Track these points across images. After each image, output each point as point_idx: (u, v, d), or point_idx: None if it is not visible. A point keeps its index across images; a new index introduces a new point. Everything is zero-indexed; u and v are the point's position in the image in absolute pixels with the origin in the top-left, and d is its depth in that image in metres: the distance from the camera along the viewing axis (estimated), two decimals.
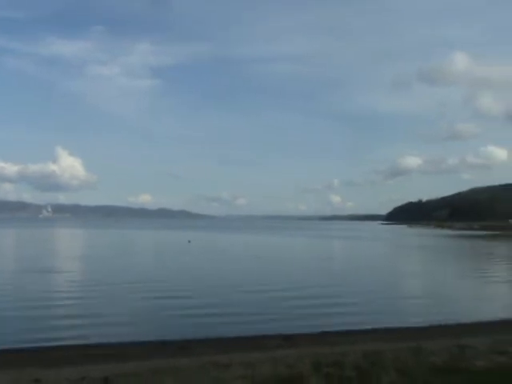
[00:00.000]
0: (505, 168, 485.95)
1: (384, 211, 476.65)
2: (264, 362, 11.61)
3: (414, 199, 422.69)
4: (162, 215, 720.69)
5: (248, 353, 14.20)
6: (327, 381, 9.45)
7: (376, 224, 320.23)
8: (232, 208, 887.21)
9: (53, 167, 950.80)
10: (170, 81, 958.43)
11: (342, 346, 14.51)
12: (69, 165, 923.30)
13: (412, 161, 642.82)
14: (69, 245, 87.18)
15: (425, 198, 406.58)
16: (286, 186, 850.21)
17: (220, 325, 21.53)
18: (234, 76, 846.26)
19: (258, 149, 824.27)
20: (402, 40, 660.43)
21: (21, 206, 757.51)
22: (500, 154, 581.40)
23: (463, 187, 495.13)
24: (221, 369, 10.94)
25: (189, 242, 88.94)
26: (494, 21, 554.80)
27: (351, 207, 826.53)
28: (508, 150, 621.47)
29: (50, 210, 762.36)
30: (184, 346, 16.77)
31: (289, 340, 17.89)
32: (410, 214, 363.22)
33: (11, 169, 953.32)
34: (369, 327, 21.22)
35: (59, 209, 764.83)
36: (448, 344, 12.82)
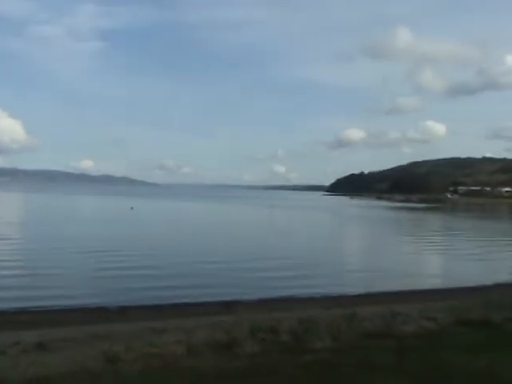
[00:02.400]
0: (443, 143, 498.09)
1: (327, 182, 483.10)
2: (201, 328, 11.74)
3: (356, 171, 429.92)
4: (105, 181, 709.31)
5: (185, 319, 14.33)
6: (262, 345, 9.64)
7: (319, 195, 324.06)
8: (176, 176, 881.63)
9: None
10: (115, 44, 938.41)
11: (279, 313, 14.77)
12: (8, 127, 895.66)
13: (355, 133, 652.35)
14: (6, 210, 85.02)
15: (367, 170, 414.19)
16: (231, 155, 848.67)
17: (158, 291, 21.58)
18: (179, 41, 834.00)
19: (203, 117, 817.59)
20: (347, 15, 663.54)
21: None
22: (439, 129, 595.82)
23: (403, 160, 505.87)
24: (156, 334, 11.03)
25: (131, 208, 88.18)
26: None
27: (295, 177, 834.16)
28: (447, 126, 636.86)
29: None
30: (122, 312, 16.79)
31: (229, 307, 18.08)
32: (352, 185, 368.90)
33: None
34: (307, 295, 21.68)
35: None
36: (381, 311, 13.21)
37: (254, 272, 27.43)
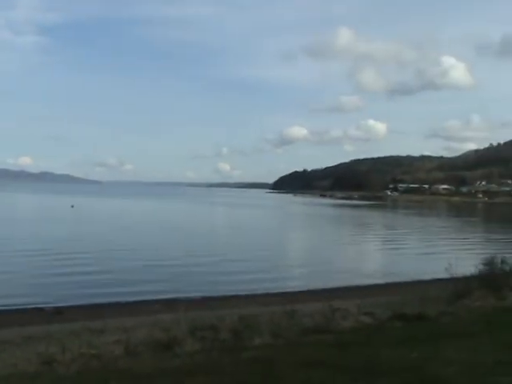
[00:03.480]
0: (384, 141, 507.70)
1: (271, 180, 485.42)
2: (140, 327, 11.64)
3: (299, 168, 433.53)
4: (44, 179, 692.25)
5: (125, 318, 14.18)
6: (202, 344, 9.62)
7: (263, 192, 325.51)
8: (119, 174, 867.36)
9: None
10: (55, 39, 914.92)
11: (220, 311, 14.78)
12: None
13: (298, 131, 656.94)
14: None
15: (310, 168, 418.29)
16: (175, 152, 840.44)
17: (97, 291, 21.28)
18: (124, 38, 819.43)
19: (147, 114, 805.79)
20: (291, 14, 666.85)
21: None
22: (380, 127, 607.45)
23: (345, 158, 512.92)
24: (94, 334, 10.87)
25: (72, 206, 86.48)
26: None
27: (239, 175, 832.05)
28: (387, 124, 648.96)
29: None
30: (59, 312, 16.47)
31: (169, 305, 17.95)
32: (295, 182, 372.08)
33: None
34: (249, 292, 21.76)
35: None
36: (321, 307, 13.34)
37: (195, 269, 27.39)
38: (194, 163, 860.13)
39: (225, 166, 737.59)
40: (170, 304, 18.27)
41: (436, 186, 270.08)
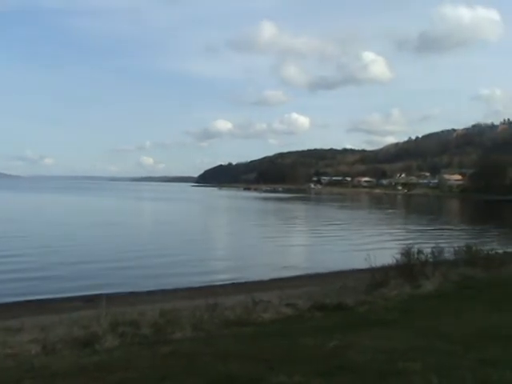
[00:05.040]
0: (307, 135, 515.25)
1: (196, 173, 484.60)
2: (60, 325, 11.41)
3: (224, 162, 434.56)
4: None
5: (44, 316, 13.86)
6: (122, 339, 9.54)
7: (187, 186, 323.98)
8: (38, 168, 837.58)
9: None
10: None
11: (143, 306, 14.65)
12: None
13: (223, 124, 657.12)
14: None
15: (235, 161, 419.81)
16: (96, 146, 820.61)
17: (14, 287, 20.68)
18: (45, 29, 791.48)
19: (68, 107, 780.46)
20: (213, 8, 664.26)
21: None
22: (303, 121, 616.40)
23: (270, 151, 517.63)
24: (10, 333, 10.57)
25: None
26: None
27: (163, 169, 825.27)
28: (310, 118, 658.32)
29: None
30: None
31: (91, 302, 17.65)
32: (220, 176, 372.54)
33: None
34: (172, 287, 21.65)
35: None
36: (243, 299, 13.47)
37: (118, 265, 26.98)
38: (117, 157, 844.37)
39: (148, 160, 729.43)
40: (92, 301, 17.96)
41: (358, 179, 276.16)
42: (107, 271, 25.30)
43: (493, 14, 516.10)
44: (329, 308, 11.99)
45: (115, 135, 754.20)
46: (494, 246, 25.46)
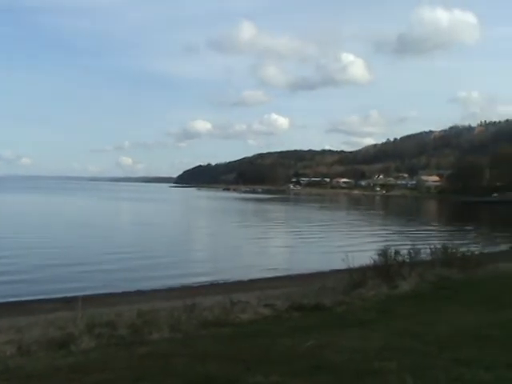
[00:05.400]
0: (287, 135, 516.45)
1: (175, 174, 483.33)
2: (36, 326, 11.32)
3: (203, 163, 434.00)
4: None
5: (20, 317, 13.74)
6: (99, 340, 9.48)
7: (166, 186, 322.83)
8: (15, 167, 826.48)
9: None
10: None
11: (121, 307, 14.59)
12: None
13: (202, 125, 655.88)
14: None
15: (214, 162, 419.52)
16: (75, 146, 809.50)
17: None
18: (22, 27, 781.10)
19: (45, 106, 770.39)
20: (192, 8, 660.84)
21: None
22: (283, 122, 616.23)
23: (249, 152, 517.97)
24: None
25: None
26: None
27: (143, 169, 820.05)
28: (290, 119, 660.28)
29: None
30: None
31: (68, 303, 17.52)
32: (199, 176, 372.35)
33: None
34: (150, 288, 21.58)
35: None
36: (221, 300, 13.47)
37: (96, 266, 26.81)
38: (96, 157, 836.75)
39: (127, 160, 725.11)
40: (69, 302, 17.83)
41: (337, 180, 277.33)
42: (85, 273, 25.12)
43: (470, 17, 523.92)
44: (307, 308, 12.03)
45: (94, 135, 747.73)
46: (470, 246, 25.71)
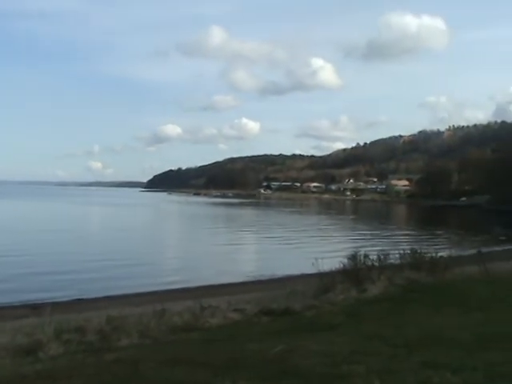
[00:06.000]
0: (257, 140, 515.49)
1: (145, 178, 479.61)
2: (3, 333, 11.17)
3: (174, 167, 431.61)
4: None
5: None
6: (67, 346, 9.40)
7: (136, 191, 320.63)
8: None
9: None
10: None
11: (90, 313, 14.46)
12: None
13: (172, 129, 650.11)
14: None
15: (184, 166, 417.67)
16: (43, 150, 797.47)
17: None
18: None
19: (12, 111, 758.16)
20: (161, 12, 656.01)
21: None
22: (253, 126, 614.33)
23: (220, 157, 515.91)
24: None
25: None
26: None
27: (112, 174, 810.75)
28: (260, 123, 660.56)
29: None
30: None
31: (36, 309, 17.31)
32: (170, 181, 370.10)
33: None
34: (120, 294, 21.42)
35: None
36: (191, 305, 13.44)
37: (65, 273, 26.52)
38: (65, 162, 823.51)
39: (97, 165, 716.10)
40: (37, 308, 17.61)
41: (307, 184, 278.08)
42: (55, 280, 24.83)
43: (438, 23, 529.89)
44: (276, 313, 12.07)
45: (63, 140, 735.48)
46: (438, 250, 26.01)
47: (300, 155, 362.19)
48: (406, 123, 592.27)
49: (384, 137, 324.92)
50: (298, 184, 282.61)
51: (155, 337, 9.98)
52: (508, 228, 53.76)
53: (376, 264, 17.57)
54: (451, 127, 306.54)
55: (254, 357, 7.22)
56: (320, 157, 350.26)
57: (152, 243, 44.08)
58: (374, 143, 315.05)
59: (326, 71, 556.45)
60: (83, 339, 9.93)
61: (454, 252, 31.34)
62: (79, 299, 20.34)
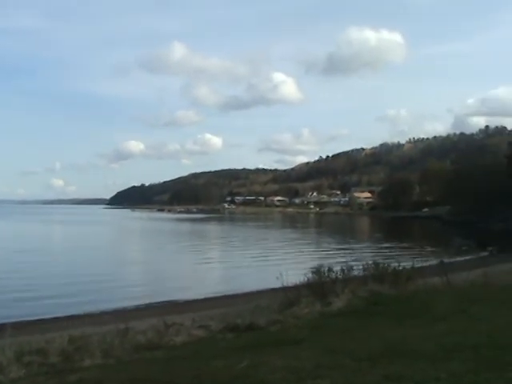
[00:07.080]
0: (220, 155, 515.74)
1: (108, 195, 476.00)
2: None
3: (137, 183, 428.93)
4: None
5: None
6: (28, 369, 9.22)
7: (99, 208, 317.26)
8: None
9: None
10: None
11: (52, 333, 14.22)
12: None
13: (135, 145, 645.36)
14: None
15: (148, 183, 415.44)
16: (2, 168, 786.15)
17: None
18: None
19: None
20: (123, 29, 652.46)
21: None
22: (216, 141, 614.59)
23: (184, 172, 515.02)
24: None
25: None
26: (207, 15, 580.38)
27: (75, 191, 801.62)
28: (223, 138, 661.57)
29: None
30: None
31: None
32: (133, 197, 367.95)
33: None
34: (82, 313, 21.10)
35: None
36: (155, 323, 13.33)
37: (25, 292, 26.06)
38: (25, 179, 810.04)
39: (58, 182, 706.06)
40: None
41: (271, 198, 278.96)
42: (15, 300, 24.39)
43: (397, 37, 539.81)
44: (241, 329, 12.04)
45: (23, 157, 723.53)
46: (401, 261, 26.30)
47: (263, 169, 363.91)
48: (367, 136, 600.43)
49: (346, 150, 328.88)
50: (262, 198, 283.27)
51: (119, 356, 9.85)
52: (468, 239, 54.68)
53: (340, 277, 17.65)
54: (411, 139, 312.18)
55: (219, 373, 7.19)
56: (283, 170, 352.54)
57: (115, 261, 43.61)
58: (337, 156, 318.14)
59: (287, 86, 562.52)
60: (45, 361, 9.75)
61: (417, 263, 31.71)
62: (41, 319, 20.01)
